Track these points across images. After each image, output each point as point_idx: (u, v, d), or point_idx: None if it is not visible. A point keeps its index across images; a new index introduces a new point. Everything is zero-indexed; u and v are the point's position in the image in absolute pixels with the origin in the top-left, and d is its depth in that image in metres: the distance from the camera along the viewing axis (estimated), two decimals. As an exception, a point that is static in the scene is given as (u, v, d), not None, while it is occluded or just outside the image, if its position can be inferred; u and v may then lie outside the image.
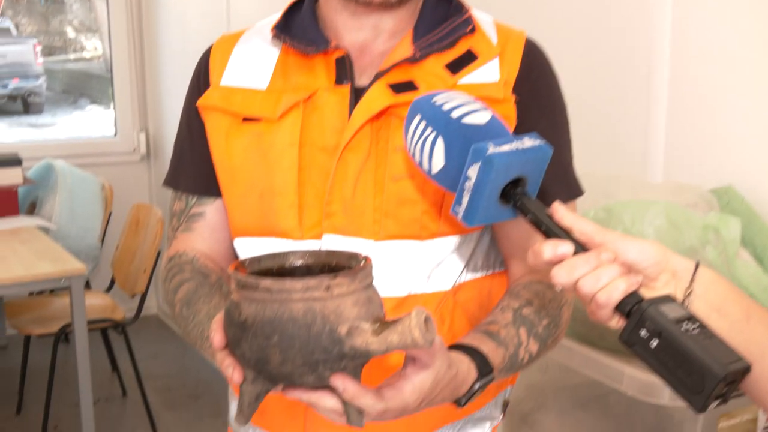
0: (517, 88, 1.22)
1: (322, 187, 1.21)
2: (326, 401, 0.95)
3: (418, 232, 1.21)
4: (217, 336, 0.96)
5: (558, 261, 0.91)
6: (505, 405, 1.39)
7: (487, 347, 1.11)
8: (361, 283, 0.92)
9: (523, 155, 0.97)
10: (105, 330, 4.23)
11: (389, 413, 0.97)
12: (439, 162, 1.01)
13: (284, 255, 1.00)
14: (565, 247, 0.92)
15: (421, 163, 1.04)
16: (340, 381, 0.93)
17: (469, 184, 0.97)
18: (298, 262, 1.00)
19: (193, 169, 1.35)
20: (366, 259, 0.96)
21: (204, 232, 1.34)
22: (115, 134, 5.61)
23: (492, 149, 0.95)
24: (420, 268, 1.22)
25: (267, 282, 0.89)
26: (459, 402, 1.08)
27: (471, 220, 0.98)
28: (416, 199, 1.20)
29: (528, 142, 0.98)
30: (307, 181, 1.22)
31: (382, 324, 0.90)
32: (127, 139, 5.59)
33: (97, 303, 4.15)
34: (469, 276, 1.27)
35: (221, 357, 0.97)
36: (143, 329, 5.31)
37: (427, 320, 0.89)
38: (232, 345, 0.94)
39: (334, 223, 1.21)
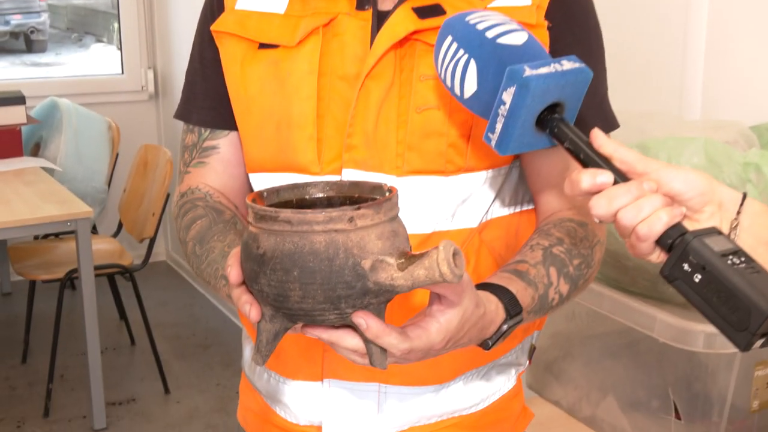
0: (549, 14, 1.20)
1: (342, 118, 1.21)
2: (347, 340, 0.96)
3: (444, 167, 1.20)
4: (233, 271, 0.96)
5: (597, 191, 0.91)
6: (532, 351, 1.39)
7: (516, 287, 1.11)
8: (386, 215, 0.92)
9: (562, 78, 0.96)
10: (112, 276, 4.27)
11: (414, 354, 0.97)
12: (471, 86, 1.01)
13: (304, 186, 1.00)
14: (605, 176, 0.91)
15: (452, 88, 1.04)
16: (362, 318, 0.92)
17: (504, 109, 0.96)
18: (319, 194, 1.00)
19: (205, 100, 1.34)
20: (392, 189, 0.95)
21: (218, 167, 1.34)
22: (122, 72, 5.60)
23: (529, 71, 0.94)
24: (445, 204, 1.22)
25: (287, 213, 0.89)
26: (486, 344, 1.08)
27: (504, 148, 0.98)
28: (442, 131, 1.19)
29: (567, 64, 0.97)
30: (326, 113, 1.21)
31: (408, 258, 0.90)
32: (135, 77, 5.59)
33: (103, 248, 4.18)
34: (495, 213, 1.27)
35: (238, 294, 0.97)
36: (152, 276, 5.36)
37: (455, 254, 0.88)
38: (249, 281, 0.94)
39: (354, 156, 1.20)
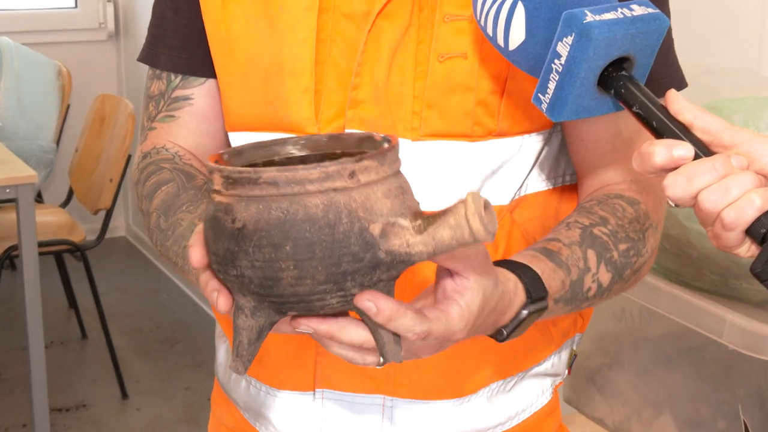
0: None
1: (346, 66, 1.20)
2: (351, 331, 0.93)
3: (470, 130, 1.20)
4: (196, 252, 0.93)
5: (673, 167, 0.89)
6: (573, 358, 1.39)
7: (542, 267, 1.10)
8: (391, 168, 0.90)
9: (632, 26, 0.94)
10: (60, 255, 4.28)
11: (429, 340, 0.95)
12: (518, 35, 1.00)
13: (271, 144, 0.98)
14: (684, 149, 0.90)
15: (494, 38, 1.03)
16: (370, 300, 0.90)
17: (559, 64, 0.95)
18: (292, 152, 0.98)
19: (177, 40, 1.33)
20: (390, 138, 0.93)
21: (190, 123, 1.34)
22: (75, 5, 5.61)
23: (590, 17, 0.93)
24: (470, 176, 1.21)
25: (271, 172, 0.86)
26: (500, 334, 1.06)
27: (558, 113, 0.97)
28: (470, 84, 1.18)
29: (638, 9, 0.96)
30: (326, 58, 1.21)
31: (426, 219, 0.88)
32: (91, 12, 5.59)
33: (50, 220, 4.19)
34: (531, 188, 1.27)
35: (205, 279, 0.95)
36: (108, 255, 5.37)
37: (486, 207, 0.86)
38: (222, 265, 0.91)
39: (360, 114, 1.19)
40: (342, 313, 0.94)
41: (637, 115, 0.95)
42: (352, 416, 1.28)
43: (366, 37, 1.18)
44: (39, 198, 4.75)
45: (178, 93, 1.34)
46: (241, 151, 0.97)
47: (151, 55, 1.37)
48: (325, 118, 1.21)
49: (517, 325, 1.06)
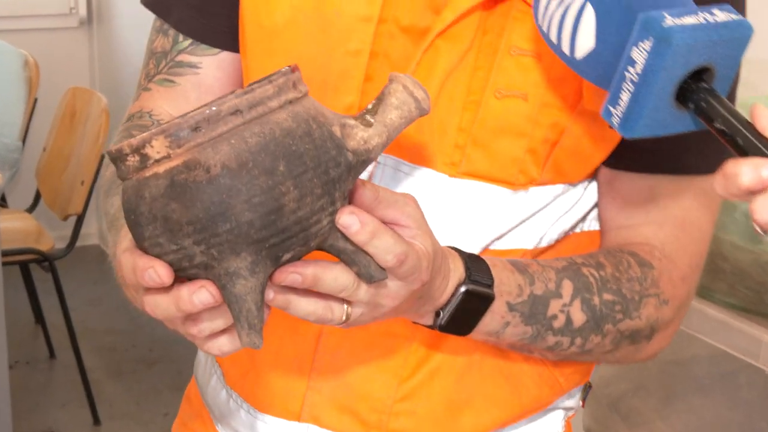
0: None
1: None
2: (335, 272, 0.94)
3: (514, 177, 1.19)
4: (161, 269, 0.90)
5: (761, 188, 0.87)
6: (586, 391, 1.39)
7: (496, 263, 1.12)
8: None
9: (715, 33, 0.93)
10: (26, 265, 4.28)
11: (405, 267, 0.96)
12: (587, 41, 1.00)
13: (169, 122, 0.94)
14: None
15: (558, 45, 1.03)
16: (353, 214, 0.92)
17: (634, 73, 0.94)
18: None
19: None
20: (292, 67, 0.96)
21: (190, 93, 1.30)
22: (44, -11, 5.62)
23: (670, 21, 0.92)
24: (501, 223, 1.22)
25: (230, 101, 0.88)
26: (438, 316, 1.09)
27: (631, 128, 0.96)
28: (524, 130, 1.17)
29: (721, 15, 0.94)
30: (376, 74, 1.19)
31: (367, 112, 0.95)
32: (61, -3, 5.60)
33: (15, 227, 4.19)
34: (556, 233, 1.27)
35: (130, 259, 0.93)
36: (79, 266, 5.36)
37: (413, 80, 0.95)
38: (203, 232, 0.89)
39: (401, 139, 1.16)
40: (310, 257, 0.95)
41: (720, 132, 0.94)
42: None
43: (420, 57, 1.17)
44: (2, 202, 4.76)
45: (184, 58, 1.31)
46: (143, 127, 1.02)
47: (160, 3, 1.32)
48: None
49: (455, 307, 1.08)
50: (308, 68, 1.17)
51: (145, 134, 0.89)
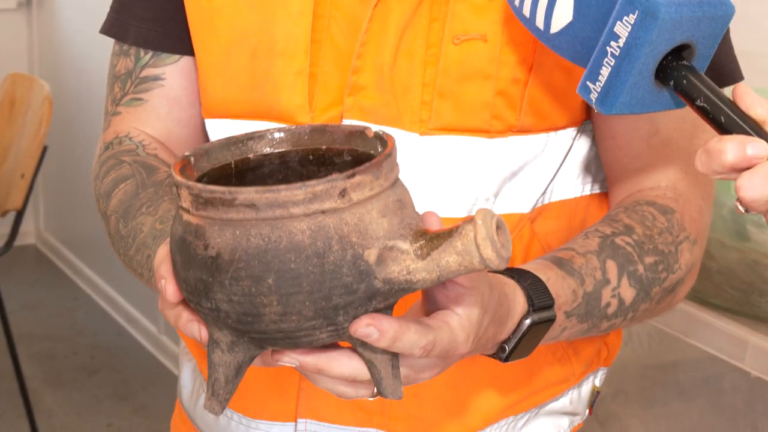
0: None
1: (346, 46, 1.20)
2: (342, 364, 0.94)
3: (488, 124, 1.20)
4: (170, 287, 0.93)
5: (746, 166, 0.90)
6: (594, 396, 1.40)
7: (548, 274, 1.11)
8: (387, 179, 0.89)
9: (699, 10, 0.95)
10: (-41, 267, 4.24)
11: (436, 352, 0.94)
12: (563, 15, 1.00)
13: (245, 139, 0.97)
14: (759, 146, 0.90)
15: (531, 20, 1.03)
16: (371, 325, 0.89)
17: (615, 47, 0.95)
18: (267, 149, 0.98)
19: (149, 11, 1.33)
20: (385, 137, 0.92)
21: (160, 108, 1.33)
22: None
23: None
24: (486, 178, 1.22)
25: (249, 193, 0.85)
26: (502, 351, 1.07)
27: (611, 104, 0.97)
28: (489, 72, 1.18)
29: None
30: (324, 37, 1.21)
31: (429, 240, 0.87)
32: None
33: (-52, 227, 4.15)
34: (555, 195, 1.27)
35: (176, 313, 0.96)
36: (16, 266, 5.33)
37: (499, 227, 0.86)
38: (193, 296, 0.90)
39: (361, 101, 1.19)
40: (331, 344, 0.94)
41: (701, 110, 0.95)
42: None
43: (371, 13, 1.18)
44: (-67, 200, 4.72)
45: (148, 72, 1.34)
46: (209, 150, 0.95)
47: (117, 27, 1.36)
48: (320, 105, 1.21)
49: (519, 339, 1.07)
50: (253, 37, 1.22)
51: (180, 180, 0.89)
